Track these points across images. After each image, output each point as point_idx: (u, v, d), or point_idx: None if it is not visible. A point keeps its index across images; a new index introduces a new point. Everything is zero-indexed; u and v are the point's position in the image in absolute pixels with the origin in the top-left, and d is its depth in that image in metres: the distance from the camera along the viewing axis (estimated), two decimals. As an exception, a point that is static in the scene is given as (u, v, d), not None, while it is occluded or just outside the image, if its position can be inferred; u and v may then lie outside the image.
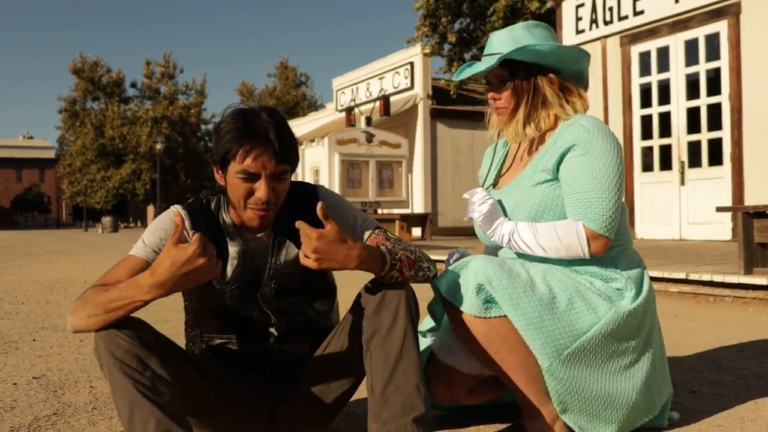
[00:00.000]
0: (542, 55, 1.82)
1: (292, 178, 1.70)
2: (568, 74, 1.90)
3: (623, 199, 1.86)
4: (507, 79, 1.86)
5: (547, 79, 1.85)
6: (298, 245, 1.64)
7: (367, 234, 1.73)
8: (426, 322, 1.99)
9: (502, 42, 1.85)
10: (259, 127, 1.57)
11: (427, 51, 14.22)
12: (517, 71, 1.85)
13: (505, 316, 1.70)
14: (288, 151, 1.60)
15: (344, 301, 1.86)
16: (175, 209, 1.69)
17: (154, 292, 1.41)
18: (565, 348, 1.68)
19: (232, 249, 1.70)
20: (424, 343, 1.96)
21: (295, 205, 1.72)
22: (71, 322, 1.48)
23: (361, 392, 1.75)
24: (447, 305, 1.77)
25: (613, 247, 1.83)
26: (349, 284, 2.38)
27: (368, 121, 13.06)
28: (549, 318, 1.68)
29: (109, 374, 1.42)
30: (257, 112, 1.61)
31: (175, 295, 1.82)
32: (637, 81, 9.57)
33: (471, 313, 1.70)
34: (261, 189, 1.58)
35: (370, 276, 1.59)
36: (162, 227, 1.64)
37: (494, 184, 2.02)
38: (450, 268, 1.77)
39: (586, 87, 1.97)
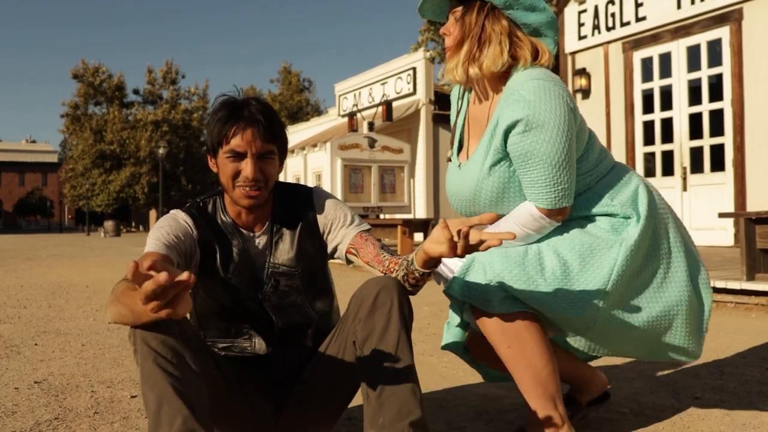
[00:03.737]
0: None
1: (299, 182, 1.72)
2: (531, 31, 1.80)
3: (586, 139, 1.81)
4: (459, 15, 1.82)
5: (499, 25, 1.76)
6: (295, 244, 1.72)
7: (355, 231, 1.75)
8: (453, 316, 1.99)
9: None
10: (245, 110, 1.63)
11: (433, 56, 14.24)
12: (469, 8, 1.79)
13: (520, 311, 1.71)
14: (274, 132, 1.64)
15: (345, 304, 1.86)
16: (177, 213, 1.72)
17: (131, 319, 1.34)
18: (596, 309, 1.69)
19: (232, 247, 1.72)
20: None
21: (291, 206, 1.77)
22: (109, 315, 1.43)
23: (361, 397, 1.75)
24: (464, 304, 1.79)
25: (596, 180, 1.81)
26: (351, 288, 2.38)
27: (370, 126, 13.06)
28: (571, 286, 1.69)
29: (142, 363, 1.38)
30: (246, 99, 1.67)
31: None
32: (639, 87, 9.57)
33: (488, 309, 1.71)
34: (247, 167, 1.61)
35: (366, 277, 1.58)
36: (167, 224, 1.66)
37: (458, 153, 1.96)
38: (457, 271, 1.77)
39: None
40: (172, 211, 1.73)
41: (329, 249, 1.79)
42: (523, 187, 1.74)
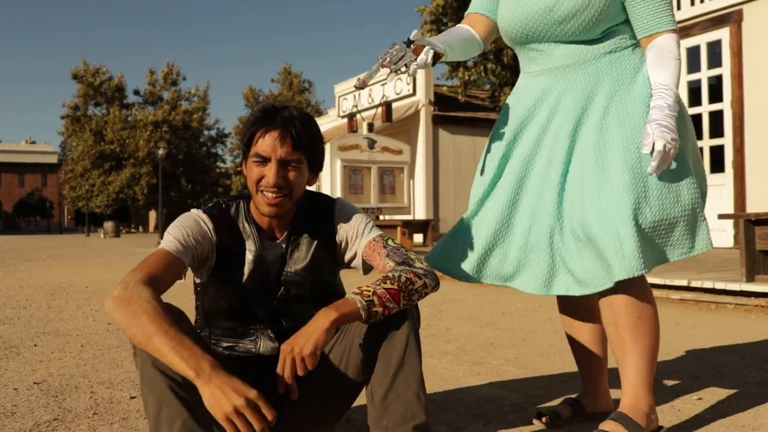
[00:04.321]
0: None
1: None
2: None
3: None
4: None
5: None
6: (309, 255, 1.72)
7: (366, 241, 1.73)
8: None
9: None
10: (278, 116, 1.63)
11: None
12: None
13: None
14: (304, 140, 1.63)
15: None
16: (199, 213, 1.69)
17: (190, 378, 1.32)
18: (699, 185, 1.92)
19: (249, 253, 1.71)
20: None
21: (313, 215, 1.76)
22: (114, 313, 1.41)
23: (361, 399, 1.75)
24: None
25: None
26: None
27: (370, 127, 13.06)
28: (679, 185, 1.82)
29: (141, 366, 1.38)
30: (283, 106, 1.67)
31: (186, 294, 1.83)
32: (639, 88, 9.57)
33: (640, 273, 1.73)
34: (270, 173, 1.61)
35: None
36: (188, 225, 1.65)
37: None
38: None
39: None
40: (193, 211, 1.71)
41: (346, 260, 1.79)
42: (649, 19, 1.85)
